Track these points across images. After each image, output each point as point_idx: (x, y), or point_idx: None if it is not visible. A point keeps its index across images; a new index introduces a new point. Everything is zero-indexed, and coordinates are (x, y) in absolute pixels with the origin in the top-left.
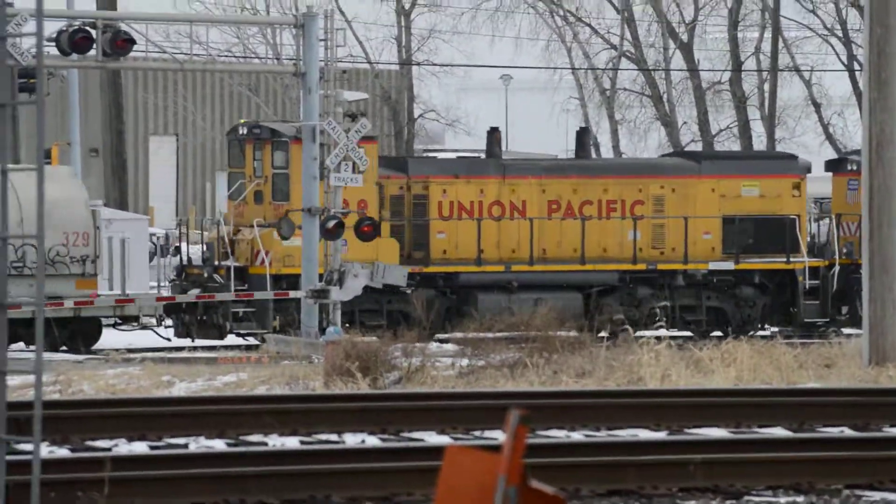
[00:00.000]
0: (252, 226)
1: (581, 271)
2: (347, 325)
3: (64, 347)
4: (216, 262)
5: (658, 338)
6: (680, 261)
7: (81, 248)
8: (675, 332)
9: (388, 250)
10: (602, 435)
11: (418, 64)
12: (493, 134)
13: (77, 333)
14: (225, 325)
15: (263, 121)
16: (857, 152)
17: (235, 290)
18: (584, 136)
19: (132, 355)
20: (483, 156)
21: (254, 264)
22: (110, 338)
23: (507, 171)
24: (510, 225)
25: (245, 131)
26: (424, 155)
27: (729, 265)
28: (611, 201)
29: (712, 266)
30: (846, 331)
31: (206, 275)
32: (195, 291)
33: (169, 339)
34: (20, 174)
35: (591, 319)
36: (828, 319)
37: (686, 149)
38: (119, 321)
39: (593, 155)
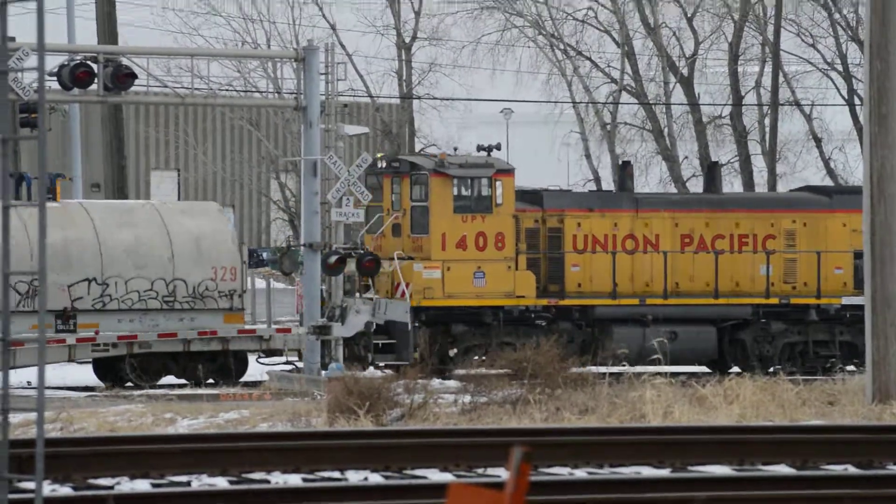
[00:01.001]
0: (391, 258)
1: (715, 305)
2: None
3: (210, 380)
4: (357, 295)
5: (662, 374)
6: (812, 295)
7: (229, 283)
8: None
9: (525, 283)
10: (605, 472)
11: (419, 98)
12: (626, 168)
13: (225, 367)
14: (367, 357)
15: (402, 155)
16: None
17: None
18: (714, 170)
19: (133, 392)
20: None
21: (394, 296)
22: (255, 371)
23: (640, 204)
24: (644, 258)
25: (384, 165)
26: (560, 189)
27: (862, 300)
28: (743, 235)
29: (845, 301)
30: (849, 367)
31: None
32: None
33: None
34: (193, 208)
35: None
36: None
37: (814, 185)
38: (263, 354)
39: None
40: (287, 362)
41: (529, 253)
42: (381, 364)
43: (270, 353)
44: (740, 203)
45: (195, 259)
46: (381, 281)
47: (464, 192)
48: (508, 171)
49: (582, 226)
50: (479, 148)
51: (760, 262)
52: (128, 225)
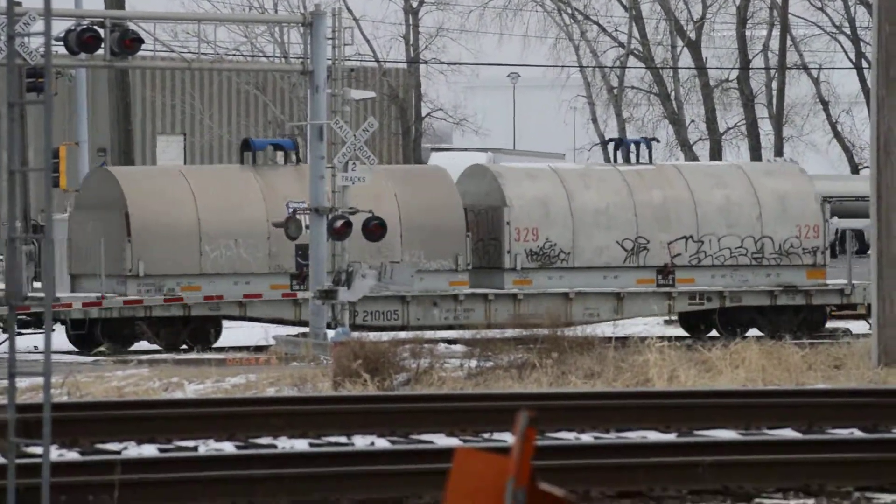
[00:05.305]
0: None
1: None
2: None
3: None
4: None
5: (667, 338)
6: None
7: (812, 240)
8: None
9: None
10: (611, 437)
11: (426, 62)
12: None
13: (806, 321)
14: None
15: None
16: None
17: None
18: None
19: (140, 357)
20: None
21: None
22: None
23: None
24: None
25: None
26: None
27: None
28: None
29: None
30: (854, 331)
31: None
32: None
33: None
34: (776, 169)
35: None
36: None
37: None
38: (835, 309)
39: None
40: (860, 316)
41: None
42: None
43: (843, 307)
44: None
45: (780, 217)
46: None
47: None
48: None
49: None
50: None
51: None
52: (718, 185)
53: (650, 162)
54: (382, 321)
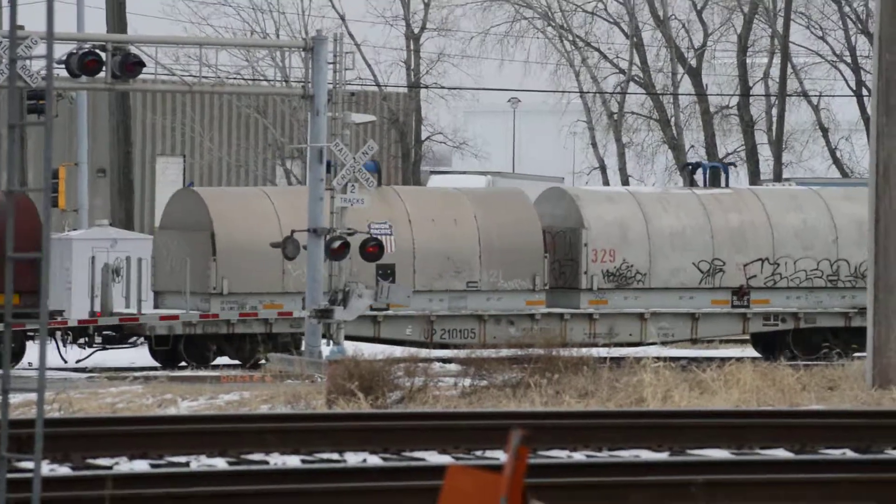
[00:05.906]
0: None
1: None
2: None
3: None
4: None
5: (661, 358)
6: None
7: None
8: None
9: None
10: (604, 455)
11: (426, 87)
12: None
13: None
14: None
15: None
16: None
17: None
18: None
19: (134, 373)
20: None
21: None
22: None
23: None
24: None
25: None
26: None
27: None
28: None
29: None
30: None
31: None
32: None
33: None
34: (854, 194)
35: None
36: None
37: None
38: None
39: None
40: None
41: None
42: None
43: None
44: None
45: (857, 241)
46: None
47: None
48: None
49: None
50: None
51: None
52: (795, 209)
53: (727, 186)
54: (459, 339)
